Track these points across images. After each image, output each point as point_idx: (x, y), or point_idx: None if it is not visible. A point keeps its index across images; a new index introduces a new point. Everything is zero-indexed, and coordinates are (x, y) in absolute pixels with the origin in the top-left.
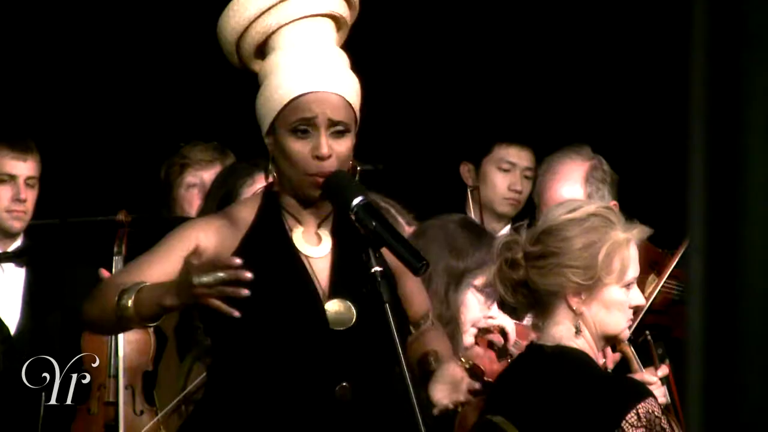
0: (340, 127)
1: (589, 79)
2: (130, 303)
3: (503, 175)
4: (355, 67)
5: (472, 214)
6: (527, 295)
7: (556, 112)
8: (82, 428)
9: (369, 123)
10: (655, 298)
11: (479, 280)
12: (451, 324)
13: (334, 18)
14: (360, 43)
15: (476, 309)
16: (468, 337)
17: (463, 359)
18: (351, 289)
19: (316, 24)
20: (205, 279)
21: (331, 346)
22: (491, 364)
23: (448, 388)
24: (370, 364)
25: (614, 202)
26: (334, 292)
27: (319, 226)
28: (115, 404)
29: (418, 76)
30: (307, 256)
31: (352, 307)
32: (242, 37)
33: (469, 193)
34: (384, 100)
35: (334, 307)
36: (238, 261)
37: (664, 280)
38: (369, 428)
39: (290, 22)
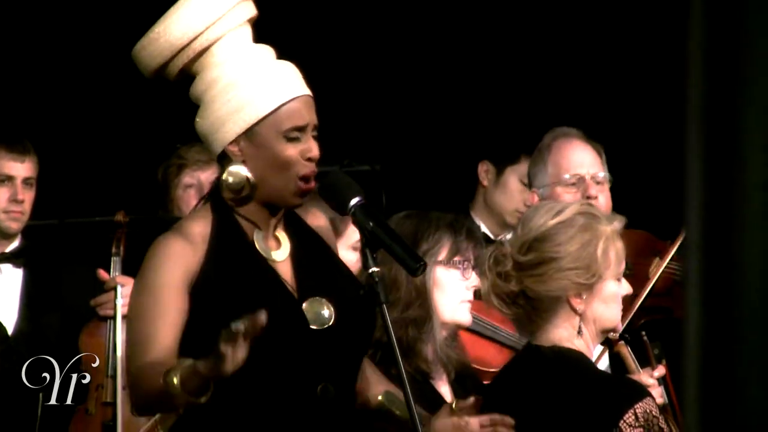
0: (316, 131)
1: (592, 74)
2: (176, 383)
3: (524, 189)
4: (367, 65)
5: (478, 215)
6: (524, 305)
7: (552, 102)
8: (79, 429)
9: (366, 123)
10: (657, 280)
11: (442, 255)
12: (427, 323)
13: (250, 20)
14: (367, 41)
15: (455, 284)
16: (465, 314)
17: (453, 405)
18: (319, 288)
19: (244, 31)
20: (231, 349)
21: (312, 346)
22: (473, 350)
23: None
24: (350, 362)
25: None
26: (303, 293)
27: (275, 228)
28: (113, 404)
29: (428, 77)
30: (271, 260)
31: (329, 306)
32: (174, 57)
33: (483, 196)
34: (382, 99)
35: (311, 306)
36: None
37: (666, 262)
38: (351, 427)
39: (223, 36)
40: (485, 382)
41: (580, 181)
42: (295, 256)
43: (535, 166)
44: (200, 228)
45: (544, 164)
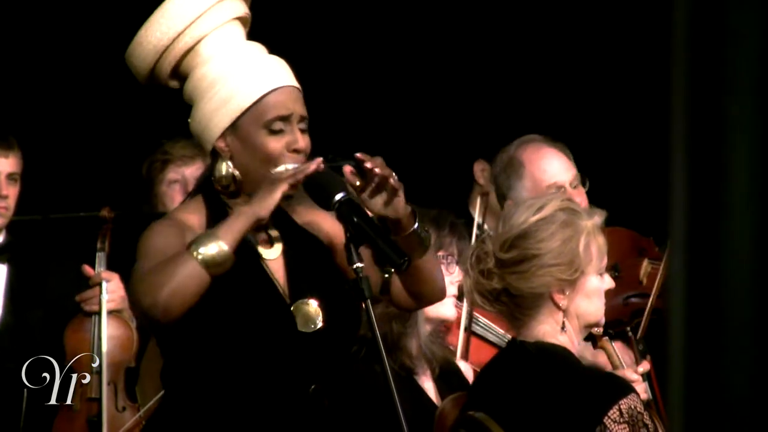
0: (304, 123)
1: (578, 73)
2: (217, 246)
3: None
4: (351, 61)
5: (477, 214)
6: (508, 302)
7: (531, 99)
8: (64, 424)
9: (350, 118)
10: (648, 281)
11: None
12: (411, 318)
13: (241, 19)
14: (352, 37)
15: None
16: (450, 309)
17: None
18: (310, 289)
19: (232, 29)
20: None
21: (300, 348)
22: (480, 356)
23: None
24: (338, 363)
25: None
26: (294, 293)
27: (266, 225)
28: (97, 400)
29: (412, 73)
30: (263, 259)
31: (318, 308)
32: (160, 59)
33: (479, 196)
34: (366, 94)
35: (300, 308)
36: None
37: (664, 267)
38: (342, 428)
39: (207, 34)
40: None
41: (560, 190)
42: (287, 254)
43: (509, 179)
44: (196, 219)
45: (520, 178)
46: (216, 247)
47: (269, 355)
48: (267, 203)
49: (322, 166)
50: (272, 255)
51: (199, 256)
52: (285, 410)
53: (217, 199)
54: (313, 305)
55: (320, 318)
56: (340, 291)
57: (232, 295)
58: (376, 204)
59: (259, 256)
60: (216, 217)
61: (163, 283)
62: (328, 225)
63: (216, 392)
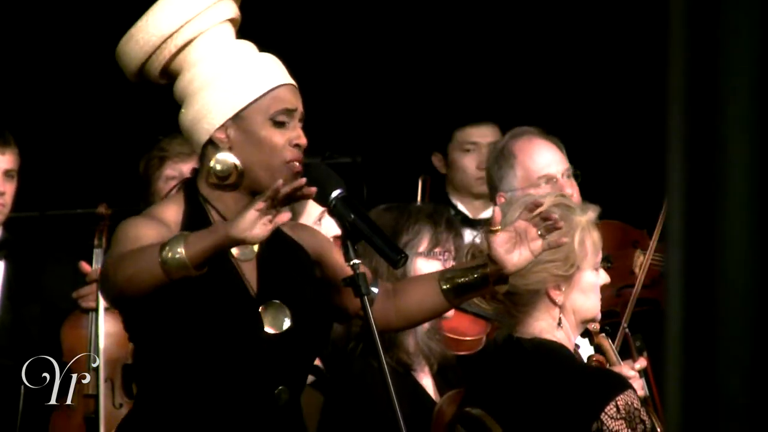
0: (302, 123)
1: (571, 66)
2: (179, 252)
3: (469, 157)
4: (348, 58)
5: (455, 198)
6: (504, 300)
7: (522, 93)
8: (61, 421)
9: (348, 115)
10: (642, 272)
11: (422, 246)
12: None
13: (233, 21)
14: (348, 34)
15: None
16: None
17: (493, 229)
18: (282, 291)
19: (226, 29)
20: (264, 197)
21: (267, 350)
22: (449, 321)
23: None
24: (307, 366)
25: None
26: (265, 294)
27: None
28: (94, 397)
29: (409, 69)
30: (237, 259)
31: (287, 310)
32: (151, 58)
33: (420, 182)
34: (364, 91)
35: (269, 310)
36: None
37: (650, 255)
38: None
39: (202, 33)
40: (462, 353)
41: (551, 181)
42: (262, 256)
43: (501, 170)
44: (172, 214)
45: (512, 168)
46: (178, 253)
47: (235, 354)
48: (237, 223)
49: (312, 190)
50: (247, 256)
51: (162, 256)
52: (250, 411)
53: (197, 197)
54: (282, 307)
55: (288, 320)
56: (312, 295)
57: (201, 293)
58: (513, 255)
59: (231, 255)
60: (191, 214)
61: (126, 268)
62: (317, 237)
63: (182, 390)
